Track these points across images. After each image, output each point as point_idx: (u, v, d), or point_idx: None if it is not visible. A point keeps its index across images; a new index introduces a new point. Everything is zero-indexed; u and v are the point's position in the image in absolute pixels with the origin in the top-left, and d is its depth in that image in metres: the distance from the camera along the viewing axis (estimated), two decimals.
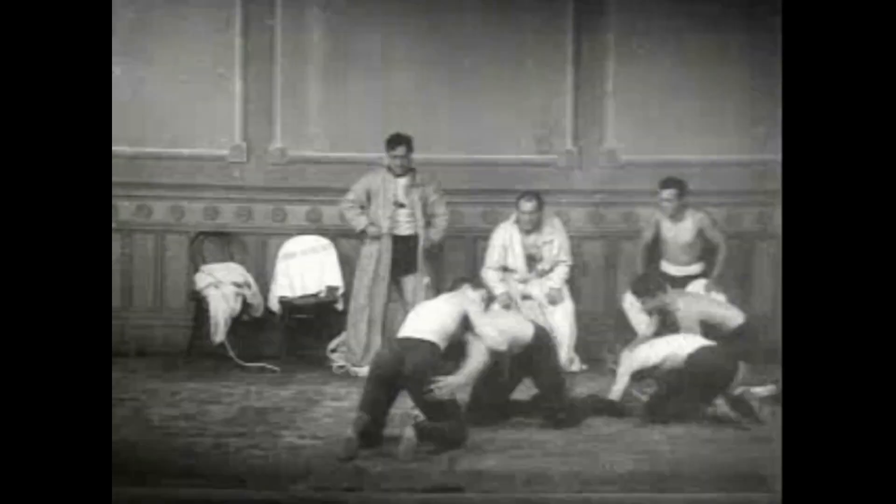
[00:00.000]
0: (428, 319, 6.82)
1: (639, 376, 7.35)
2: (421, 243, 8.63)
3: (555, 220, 8.88)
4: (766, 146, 8.60)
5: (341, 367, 8.69)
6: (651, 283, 8.06)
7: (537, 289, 8.79)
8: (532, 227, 8.76)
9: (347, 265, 9.08)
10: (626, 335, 8.32)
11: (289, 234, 9.22)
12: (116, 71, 8.15)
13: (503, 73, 9.22)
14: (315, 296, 9.07)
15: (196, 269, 9.08)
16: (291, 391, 8.03)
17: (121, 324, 8.86)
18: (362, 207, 8.69)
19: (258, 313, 9.08)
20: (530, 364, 7.08)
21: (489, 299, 7.41)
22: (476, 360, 6.76)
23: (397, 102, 9.15)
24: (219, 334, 8.81)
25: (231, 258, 9.24)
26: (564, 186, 9.20)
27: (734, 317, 7.92)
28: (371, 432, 6.52)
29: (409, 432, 6.39)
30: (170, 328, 9.15)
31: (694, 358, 7.16)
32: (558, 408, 7.08)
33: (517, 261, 8.81)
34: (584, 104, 9.25)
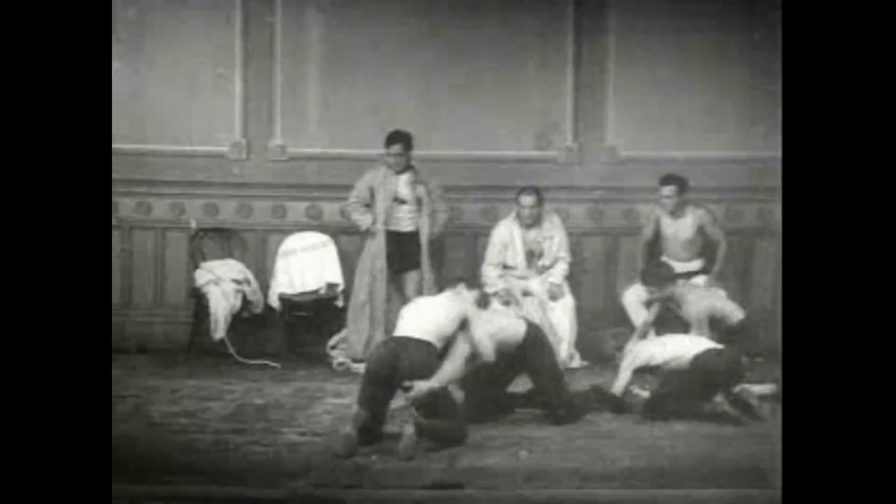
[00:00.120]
0: (425, 319, 6.80)
1: (641, 372, 7.35)
2: (423, 238, 8.63)
3: (554, 217, 8.89)
4: (765, 143, 8.60)
5: (341, 363, 8.70)
6: (662, 273, 8.12)
7: (538, 285, 8.80)
8: (532, 221, 8.77)
9: (347, 262, 9.09)
10: (626, 331, 8.31)
11: (289, 231, 9.23)
12: (116, 69, 8.15)
13: (503, 71, 9.22)
14: (315, 292, 9.08)
15: (196, 266, 9.08)
16: (291, 388, 8.03)
17: (121, 321, 8.87)
18: (367, 206, 8.71)
19: (258, 310, 9.09)
20: (525, 361, 7.07)
21: (483, 298, 7.37)
22: (452, 364, 6.71)
23: (397, 99, 9.15)
24: (219, 331, 8.82)
25: (231, 255, 9.24)
26: (565, 183, 9.20)
27: (736, 312, 8.02)
28: (370, 429, 6.52)
29: (409, 429, 6.39)
30: (170, 325, 9.15)
31: (699, 360, 7.13)
32: (557, 404, 7.08)
33: (517, 257, 8.82)
34: (584, 101, 9.25)
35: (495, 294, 8.67)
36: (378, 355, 6.79)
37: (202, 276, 8.96)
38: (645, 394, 7.36)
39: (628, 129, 9.23)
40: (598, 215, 9.29)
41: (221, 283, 8.90)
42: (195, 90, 9.13)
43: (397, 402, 6.66)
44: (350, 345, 8.71)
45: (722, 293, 8.49)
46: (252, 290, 9.06)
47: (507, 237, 8.82)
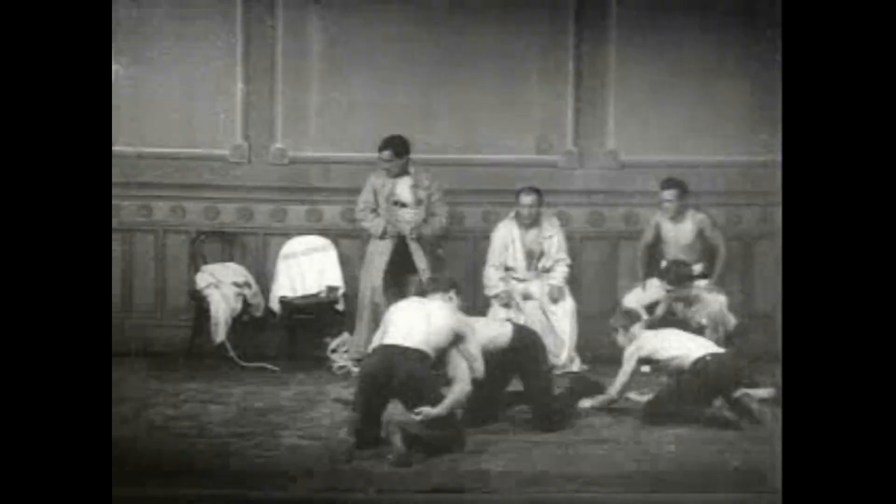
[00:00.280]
0: (417, 328, 6.68)
1: (644, 363, 7.33)
2: (413, 241, 8.63)
3: (553, 219, 8.90)
4: (766, 148, 8.60)
5: (342, 367, 8.69)
6: (683, 273, 8.19)
7: (538, 287, 8.79)
8: (532, 221, 8.77)
9: (348, 265, 9.09)
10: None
11: (289, 234, 9.22)
12: (116, 71, 8.16)
13: (504, 74, 9.22)
14: (315, 296, 9.08)
15: (197, 269, 9.08)
16: (292, 391, 8.03)
17: (121, 324, 8.86)
18: (374, 210, 8.71)
19: (259, 313, 9.08)
20: (514, 364, 7.04)
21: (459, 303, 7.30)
22: (461, 387, 6.67)
23: (397, 103, 9.15)
24: (219, 334, 8.82)
25: (232, 258, 9.24)
26: (565, 187, 9.20)
27: (730, 319, 8.17)
28: (366, 434, 6.50)
29: (397, 440, 6.35)
30: (170, 328, 9.15)
31: (700, 363, 7.14)
32: (549, 410, 7.05)
33: (517, 258, 8.82)
34: (585, 105, 9.25)
35: (496, 296, 8.69)
36: (372, 363, 6.71)
37: (203, 280, 8.95)
38: (643, 399, 7.36)
39: (629, 133, 9.24)
40: (598, 219, 9.29)
41: (222, 286, 8.90)
42: (196, 93, 9.13)
43: (402, 416, 6.64)
44: (354, 347, 8.71)
45: (722, 298, 8.51)
46: (252, 293, 9.06)
47: (507, 237, 8.82)
